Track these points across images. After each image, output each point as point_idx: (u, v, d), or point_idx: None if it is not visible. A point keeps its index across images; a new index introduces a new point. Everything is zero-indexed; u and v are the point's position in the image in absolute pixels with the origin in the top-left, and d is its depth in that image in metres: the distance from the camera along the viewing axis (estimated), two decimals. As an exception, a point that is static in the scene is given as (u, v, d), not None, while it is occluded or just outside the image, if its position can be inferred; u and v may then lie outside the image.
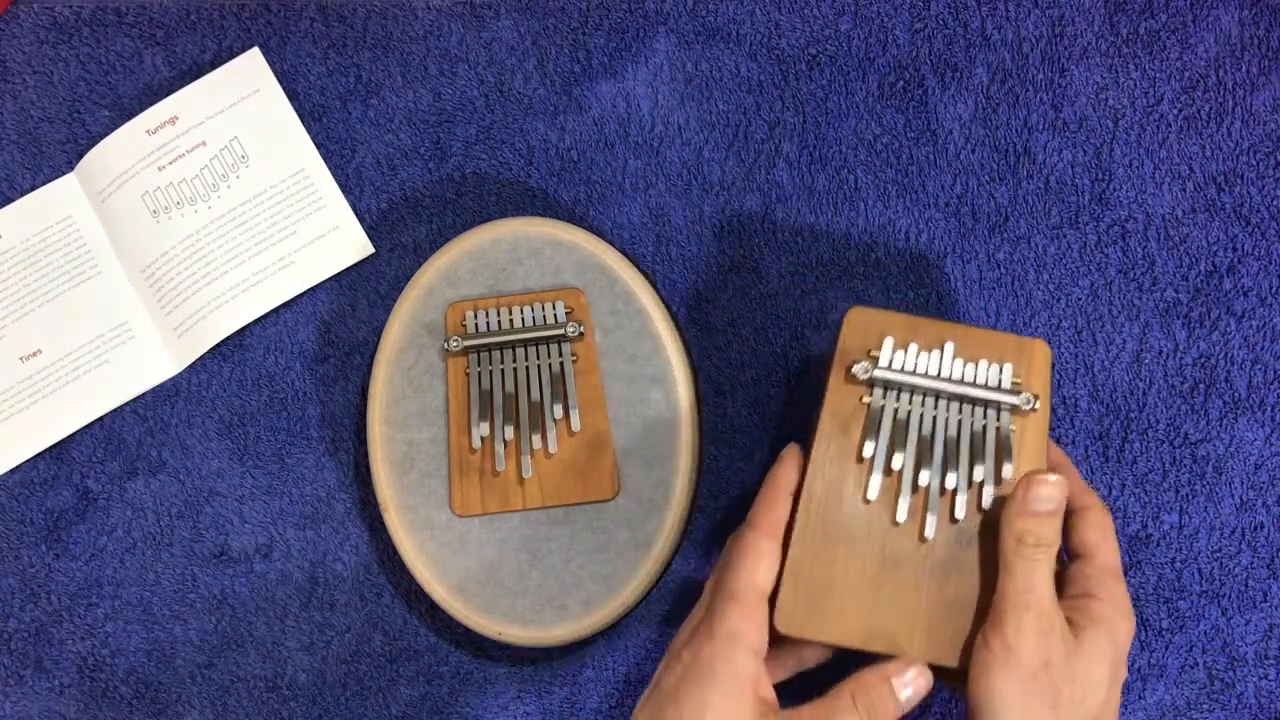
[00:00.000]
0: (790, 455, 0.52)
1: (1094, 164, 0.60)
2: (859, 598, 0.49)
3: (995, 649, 0.45)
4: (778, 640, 0.49)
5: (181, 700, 0.62)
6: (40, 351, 0.64)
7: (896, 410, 0.51)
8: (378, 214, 0.63)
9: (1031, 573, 0.46)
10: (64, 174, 0.65)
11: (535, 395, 0.57)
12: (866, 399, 0.52)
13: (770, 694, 0.47)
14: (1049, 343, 0.59)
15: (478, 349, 0.57)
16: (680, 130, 0.62)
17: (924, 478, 0.50)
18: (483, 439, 0.57)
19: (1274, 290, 0.59)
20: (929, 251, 0.61)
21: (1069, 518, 0.50)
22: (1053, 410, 0.59)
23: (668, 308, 0.59)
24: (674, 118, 0.62)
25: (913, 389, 0.51)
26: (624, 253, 0.60)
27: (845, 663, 0.49)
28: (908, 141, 0.61)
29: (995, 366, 0.52)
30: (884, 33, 0.62)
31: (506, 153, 0.63)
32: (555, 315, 0.57)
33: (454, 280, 0.58)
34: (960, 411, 0.51)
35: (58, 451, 0.63)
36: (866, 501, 0.50)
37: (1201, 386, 0.59)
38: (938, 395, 0.51)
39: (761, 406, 0.60)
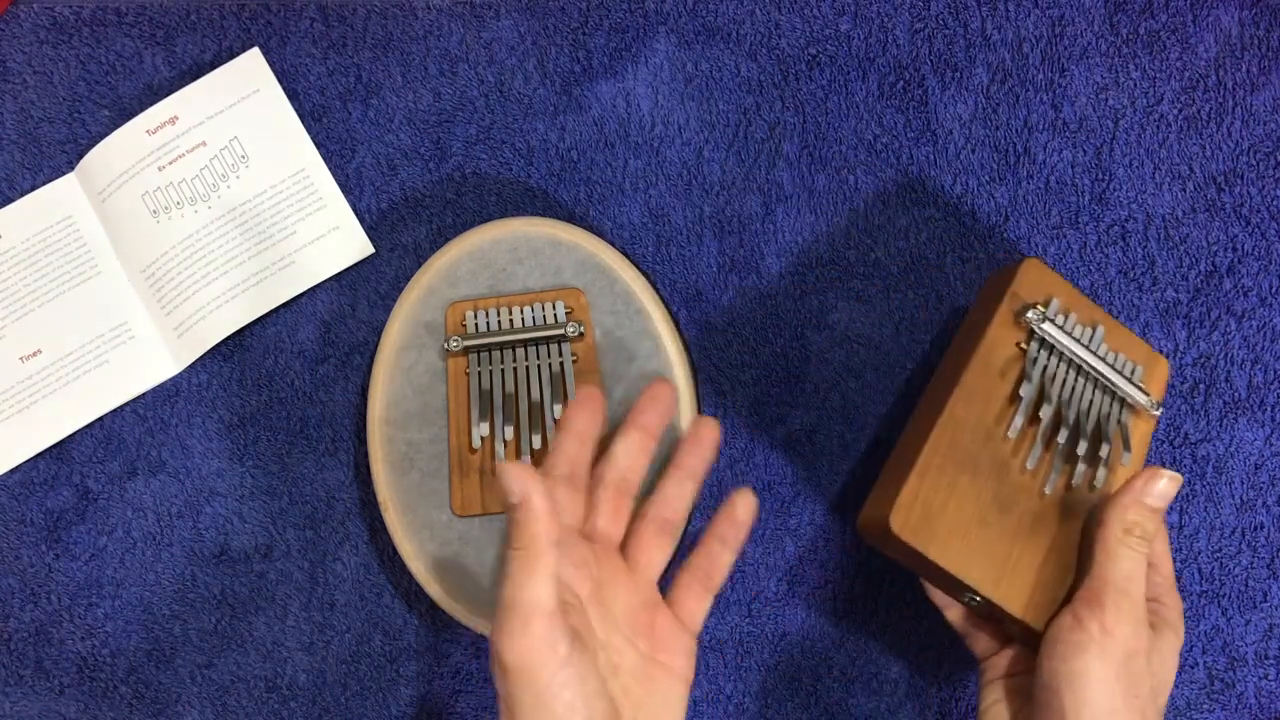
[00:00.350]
0: (588, 400, 0.51)
1: (1094, 164, 0.60)
2: (966, 527, 0.49)
3: (1093, 631, 0.45)
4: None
5: (181, 700, 0.62)
6: (40, 351, 0.64)
7: (1046, 367, 0.53)
8: (378, 214, 0.63)
9: (1136, 563, 0.47)
10: (64, 174, 0.65)
11: (535, 395, 0.57)
12: (1023, 346, 0.53)
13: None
14: None
15: (478, 349, 0.57)
16: (680, 130, 0.62)
17: (1061, 436, 0.51)
18: (483, 439, 0.57)
19: (1274, 290, 0.59)
20: (929, 251, 0.61)
21: None
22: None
23: (668, 308, 0.59)
24: (674, 118, 0.62)
25: (1064, 354, 0.53)
26: (624, 253, 0.60)
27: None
28: (908, 141, 0.61)
29: (1130, 364, 0.54)
30: (884, 33, 0.62)
31: (506, 153, 0.63)
32: (555, 315, 0.57)
33: (454, 280, 0.58)
34: (1094, 393, 0.53)
35: (58, 451, 0.63)
36: (1004, 440, 0.51)
37: (1201, 386, 0.59)
38: (1081, 368, 0.53)
39: (761, 406, 0.60)
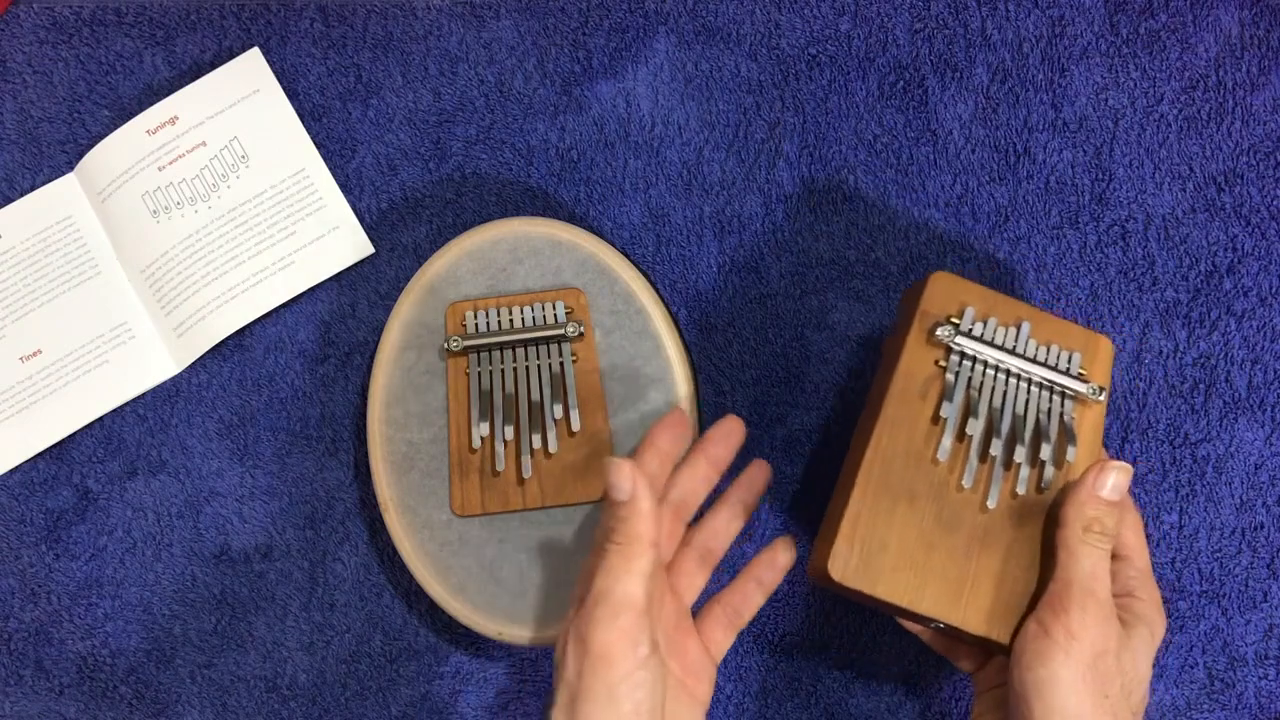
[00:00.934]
0: (675, 420, 0.52)
1: (1094, 164, 0.60)
2: (913, 558, 0.49)
3: (1057, 636, 0.45)
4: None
5: (181, 700, 0.62)
6: (40, 351, 0.64)
7: (971, 379, 0.52)
8: (378, 214, 0.63)
9: (1098, 560, 0.46)
10: (64, 174, 0.65)
11: (535, 395, 0.57)
12: (942, 363, 0.52)
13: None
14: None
15: (478, 349, 0.57)
16: (680, 130, 0.62)
17: (994, 447, 0.50)
18: (483, 439, 0.57)
19: (1274, 290, 0.59)
20: (929, 251, 0.61)
21: None
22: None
23: (668, 308, 0.59)
24: (674, 118, 0.62)
25: (988, 361, 0.52)
26: (624, 253, 0.60)
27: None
28: (908, 141, 0.61)
29: (1065, 353, 0.53)
30: (884, 33, 0.62)
31: (506, 153, 0.63)
32: (555, 315, 0.57)
33: (454, 280, 0.58)
34: (1029, 392, 0.52)
35: (58, 451, 0.63)
36: (935, 462, 0.50)
37: (1201, 386, 0.59)
38: (1009, 371, 0.52)
39: (761, 406, 0.60)
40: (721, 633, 0.52)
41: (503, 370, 0.57)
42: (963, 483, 0.50)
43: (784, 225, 0.61)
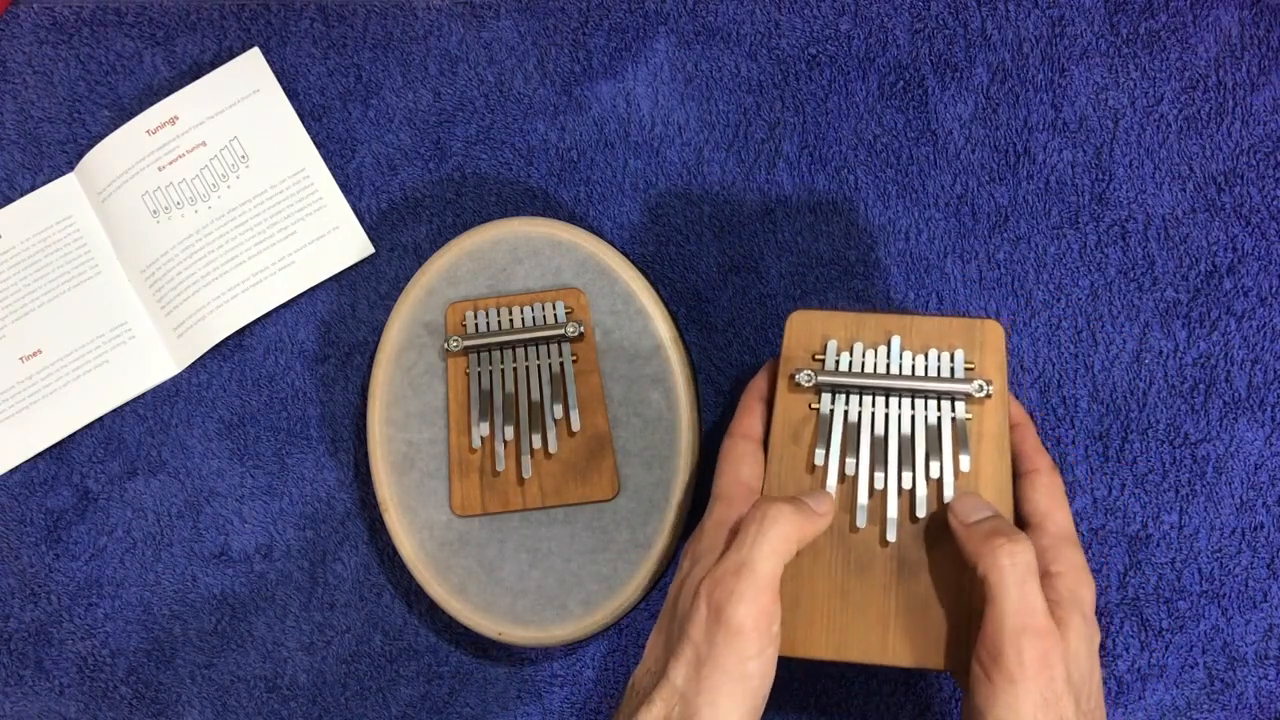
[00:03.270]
0: (766, 367, 0.54)
1: (1094, 164, 0.60)
2: (828, 608, 0.48)
3: (999, 682, 0.43)
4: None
5: (181, 700, 0.62)
6: (40, 351, 0.64)
7: (847, 413, 0.50)
8: (378, 214, 0.63)
9: (1022, 582, 0.44)
10: (64, 174, 0.65)
11: (535, 395, 0.57)
12: (815, 405, 0.51)
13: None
14: (1046, 340, 0.59)
15: (478, 349, 0.57)
16: (680, 130, 0.62)
17: (879, 481, 0.49)
18: (483, 439, 0.57)
19: (1274, 290, 0.59)
20: (929, 251, 0.61)
21: (1018, 483, 0.50)
22: (1052, 410, 0.59)
23: (668, 308, 0.59)
24: (674, 118, 0.62)
25: (861, 389, 0.51)
26: (624, 253, 0.60)
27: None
28: (908, 141, 0.61)
29: (946, 355, 0.51)
30: (884, 33, 0.62)
31: (506, 153, 0.63)
32: (555, 315, 0.57)
33: (454, 280, 0.58)
34: (913, 407, 0.50)
35: (58, 451, 0.63)
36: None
37: (1201, 386, 0.59)
38: (888, 393, 0.51)
39: (761, 406, 0.60)
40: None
41: (503, 370, 0.57)
42: (856, 524, 0.49)
43: (784, 225, 0.61)
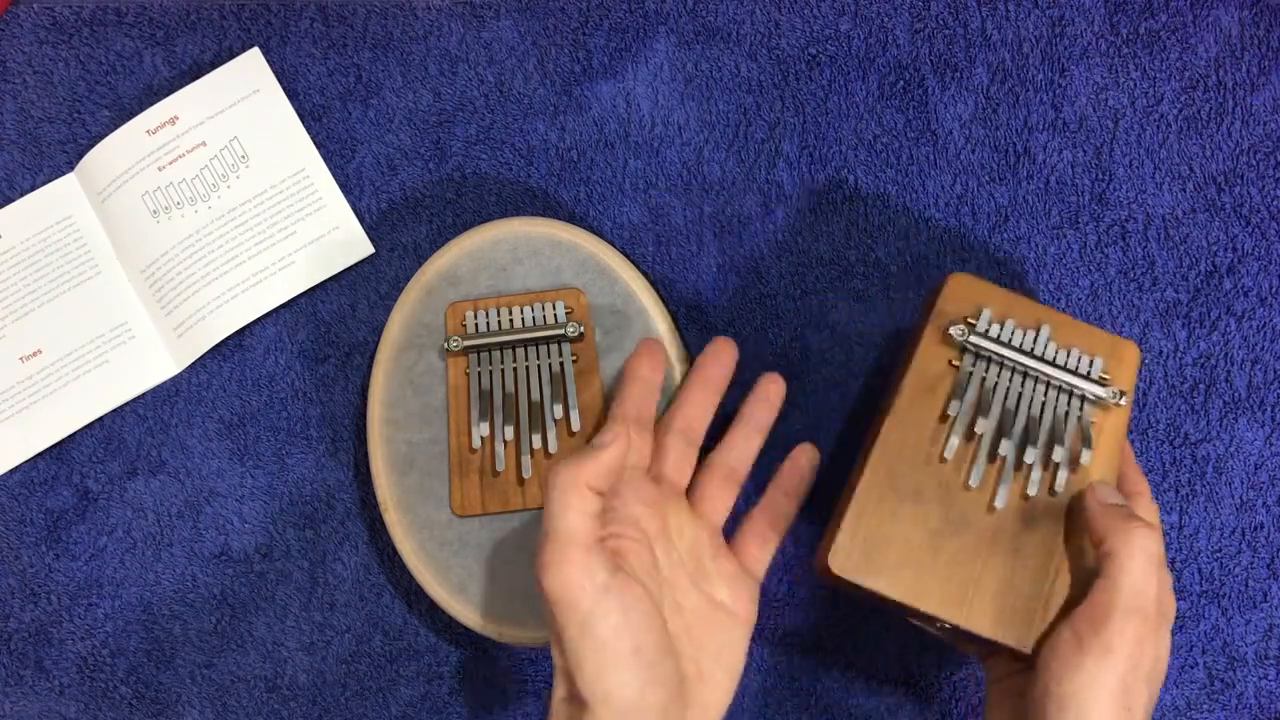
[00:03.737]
0: (651, 349, 0.54)
1: (1094, 164, 0.60)
2: (917, 556, 0.48)
3: (1093, 650, 0.43)
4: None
5: (181, 700, 0.62)
6: (40, 351, 0.64)
7: (985, 379, 0.52)
8: (378, 214, 0.63)
9: (1147, 564, 0.44)
10: (64, 174, 0.65)
11: (535, 395, 0.57)
12: (956, 363, 0.52)
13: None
14: None
15: (478, 349, 0.57)
16: (680, 130, 0.62)
17: (1003, 448, 0.50)
18: (483, 439, 0.57)
19: (1274, 290, 0.59)
20: (929, 251, 0.61)
21: None
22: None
23: (668, 308, 0.59)
24: (674, 118, 0.62)
25: (1003, 362, 0.52)
26: (624, 253, 0.60)
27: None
28: (908, 141, 0.61)
29: (1087, 358, 0.52)
30: (884, 33, 0.62)
31: (506, 153, 0.63)
32: (555, 315, 0.57)
33: (454, 280, 0.58)
34: (1046, 394, 0.52)
35: (58, 451, 0.63)
36: (943, 460, 0.50)
37: (1201, 386, 0.59)
38: (1026, 373, 0.52)
39: (761, 406, 0.60)
40: (758, 548, 0.53)
41: (503, 370, 0.57)
42: (969, 482, 0.49)
43: (784, 225, 0.61)
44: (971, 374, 0.52)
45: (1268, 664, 0.58)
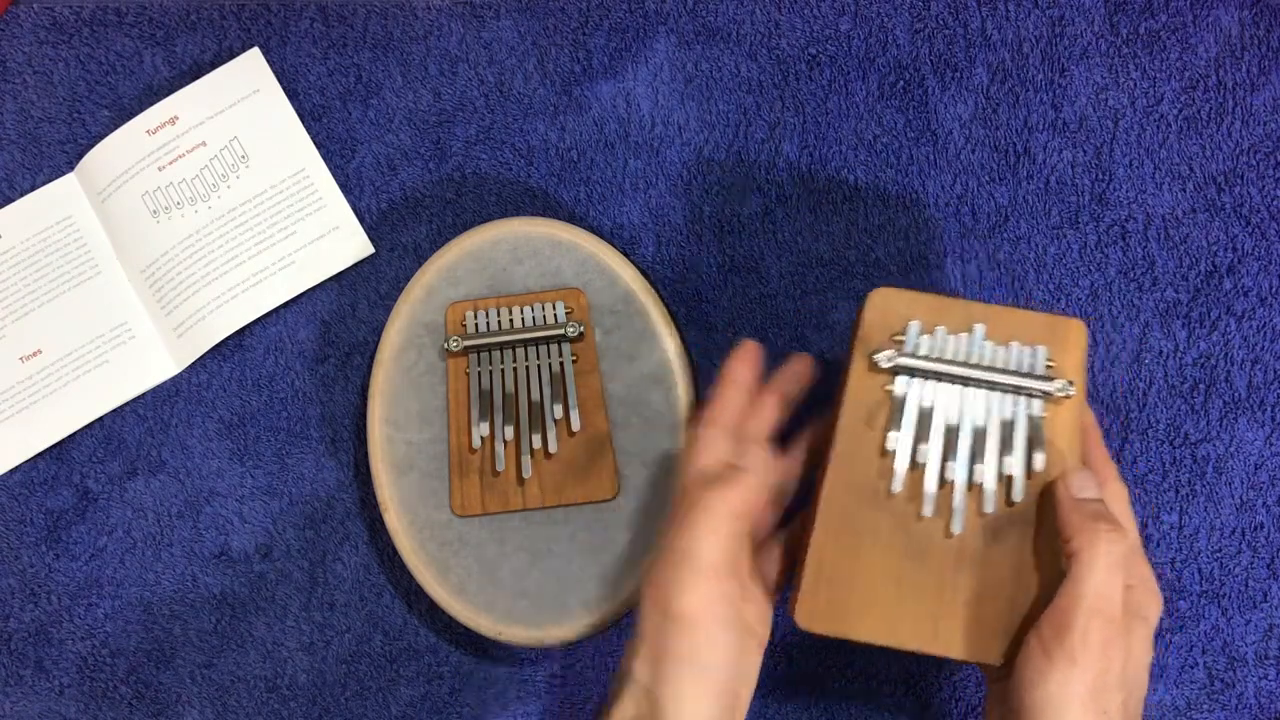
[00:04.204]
0: (746, 356, 0.52)
1: (1094, 164, 0.60)
2: (883, 593, 0.47)
3: (1058, 658, 0.43)
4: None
5: (181, 700, 0.62)
6: (40, 351, 0.64)
7: (922, 398, 0.49)
8: (378, 214, 0.63)
9: (1111, 567, 0.43)
10: (64, 174, 0.65)
11: (535, 395, 0.57)
12: (890, 387, 0.50)
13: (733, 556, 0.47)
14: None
15: (478, 349, 0.57)
16: (680, 130, 0.62)
17: (950, 471, 0.48)
18: (483, 439, 0.57)
19: (1274, 290, 0.59)
20: (929, 251, 0.61)
21: None
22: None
23: (668, 308, 0.59)
24: (674, 118, 0.62)
25: (939, 375, 0.49)
26: (624, 253, 0.60)
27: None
28: (908, 141, 0.61)
29: (1028, 350, 0.50)
30: (884, 33, 0.62)
31: (506, 153, 0.63)
32: (555, 315, 0.57)
33: (454, 280, 0.58)
34: (990, 400, 0.49)
35: (58, 451, 0.63)
36: (891, 495, 0.48)
37: (1201, 386, 0.59)
38: (966, 382, 0.49)
39: (761, 406, 0.60)
40: (771, 564, 0.51)
41: (503, 370, 0.57)
42: (923, 513, 0.48)
43: (784, 225, 0.61)
44: (907, 396, 0.49)
45: (1268, 664, 0.58)
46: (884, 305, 0.51)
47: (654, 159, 0.62)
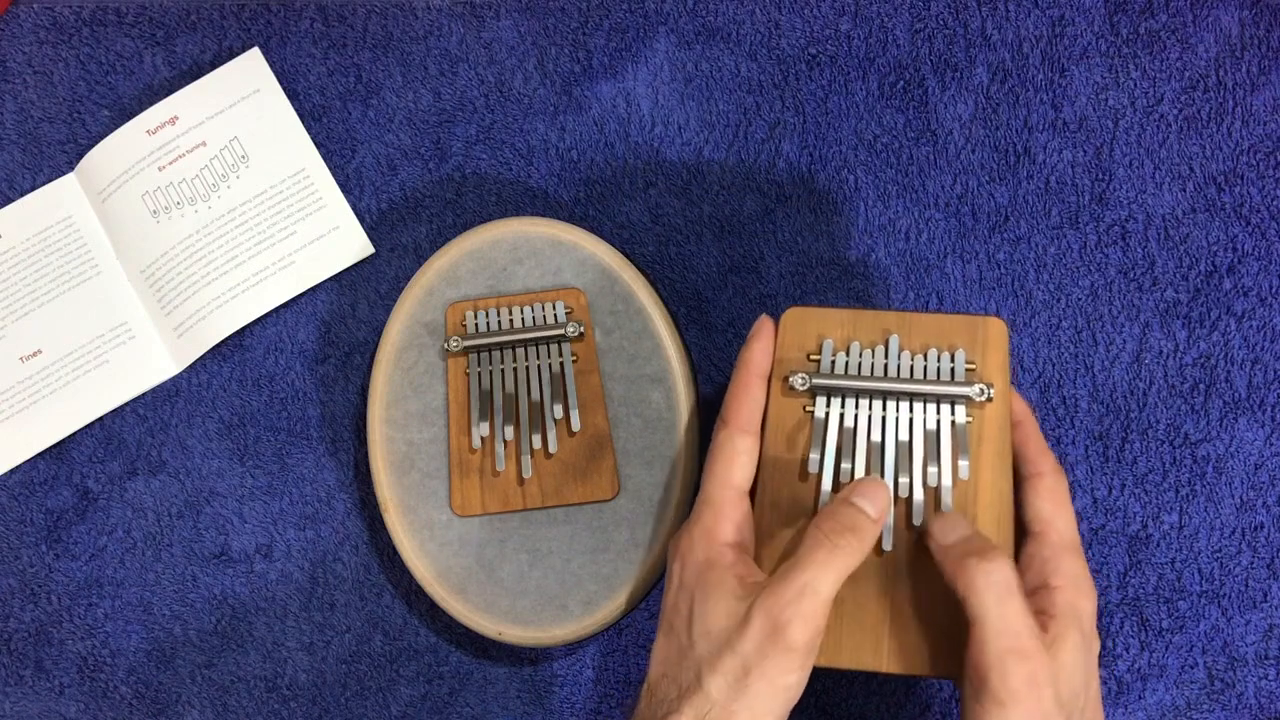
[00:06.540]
0: (762, 331, 0.51)
1: (1094, 164, 0.60)
2: None
3: (987, 706, 0.42)
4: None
5: (181, 700, 0.62)
6: (40, 351, 0.64)
7: (843, 416, 0.49)
8: (378, 214, 0.63)
9: (1003, 599, 0.43)
10: (64, 174, 0.65)
11: (535, 395, 0.57)
12: (809, 408, 0.50)
13: (749, 573, 0.47)
14: (1046, 340, 0.59)
15: (478, 349, 0.57)
16: (680, 130, 0.62)
17: None
18: (483, 439, 0.57)
19: (1274, 290, 0.59)
20: (929, 251, 0.61)
21: (1021, 486, 0.49)
22: (1052, 410, 0.59)
23: (668, 308, 0.59)
24: (674, 118, 0.62)
25: (858, 392, 0.49)
26: (624, 253, 0.60)
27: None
28: (908, 141, 0.61)
29: (946, 355, 0.49)
30: (884, 33, 0.62)
31: (506, 153, 0.63)
32: (555, 315, 0.57)
33: (454, 280, 0.58)
34: (911, 410, 0.49)
35: (58, 451, 0.63)
36: None
37: (1201, 386, 0.59)
38: (885, 396, 0.49)
39: (761, 406, 0.60)
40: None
41: (503, 370, 0.57)
42: None
43: (784, 225, 0.61)
44: (828, 416, 0.49)
45: (1268, 664, 0.58)
46: (798, 325, 0.51)
47: (654, 159, 0.62)
